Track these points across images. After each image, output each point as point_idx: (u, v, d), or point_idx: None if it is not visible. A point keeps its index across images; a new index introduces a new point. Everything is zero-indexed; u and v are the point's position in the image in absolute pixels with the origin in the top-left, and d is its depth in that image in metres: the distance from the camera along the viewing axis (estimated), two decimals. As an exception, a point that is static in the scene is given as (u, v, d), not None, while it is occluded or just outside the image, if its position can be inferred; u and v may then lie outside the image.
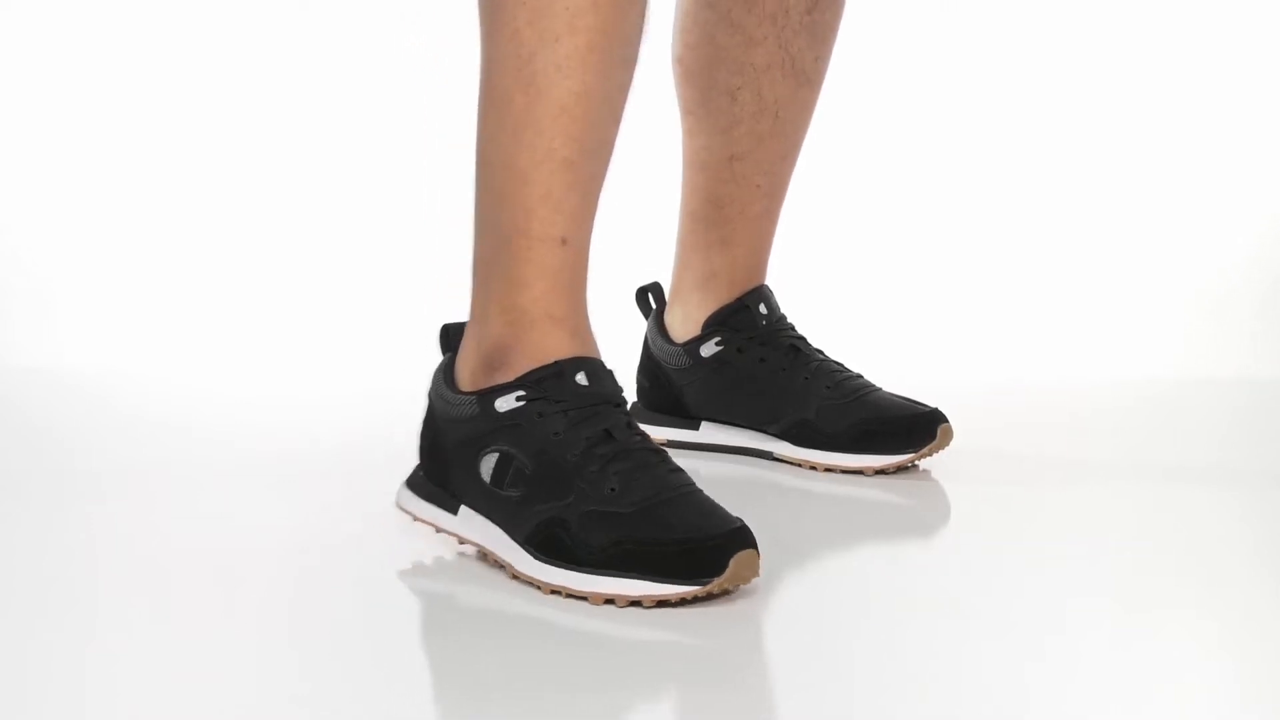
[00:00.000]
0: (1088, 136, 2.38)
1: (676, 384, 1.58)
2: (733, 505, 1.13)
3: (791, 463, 1.53)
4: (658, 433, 1.57)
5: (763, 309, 1.56)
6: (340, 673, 1.00)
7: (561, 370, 1.15)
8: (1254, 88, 2.38)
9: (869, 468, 1.49)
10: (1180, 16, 2.38)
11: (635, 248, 1.81)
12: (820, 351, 1.57)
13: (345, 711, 0.93)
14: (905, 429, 1.50)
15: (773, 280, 1.60)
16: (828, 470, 1.51)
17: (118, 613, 1.10)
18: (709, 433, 1.58)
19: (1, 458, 1.63)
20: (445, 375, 1.22)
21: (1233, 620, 1.12)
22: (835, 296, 2.16)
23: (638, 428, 1.17)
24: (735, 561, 1.08)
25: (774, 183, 1.56)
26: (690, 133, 1.57)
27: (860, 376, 1.55)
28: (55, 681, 0.96)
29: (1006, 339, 2.16)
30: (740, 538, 1.09)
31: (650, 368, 1.61)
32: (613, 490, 1.11)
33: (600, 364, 1.18)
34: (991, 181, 2.38)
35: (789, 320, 1.58)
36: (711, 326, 1.57)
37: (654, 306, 1.61)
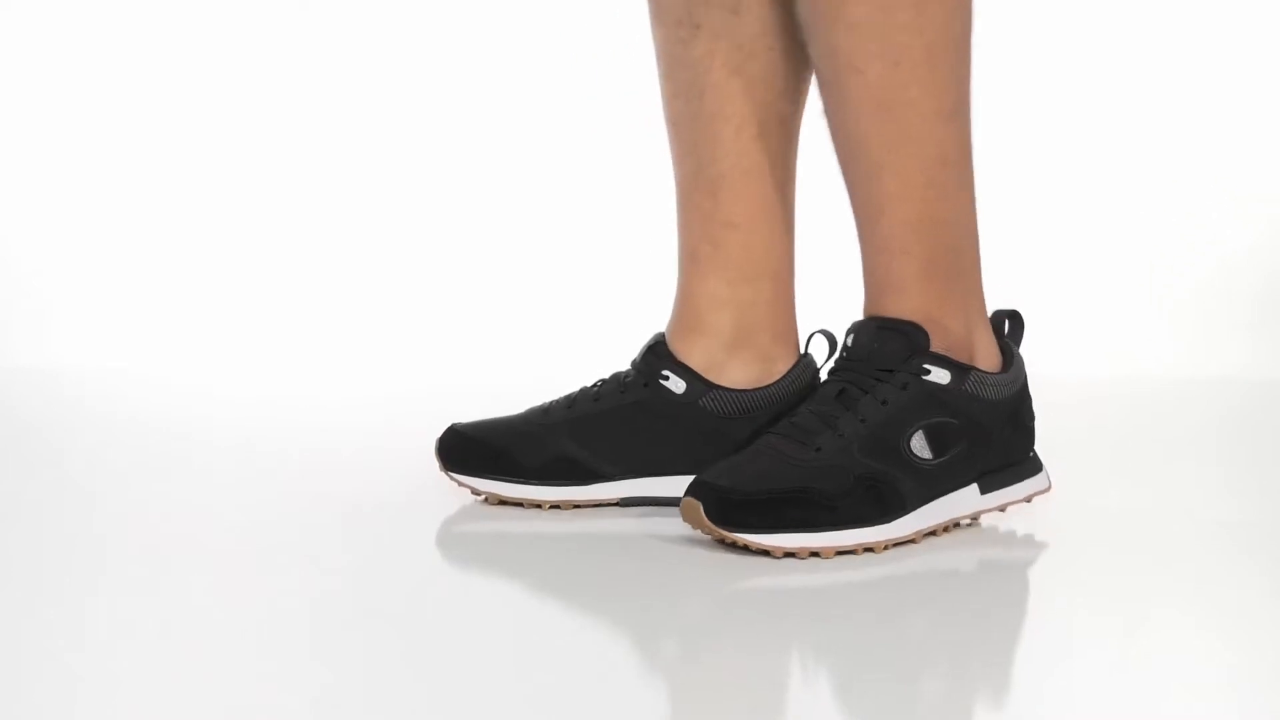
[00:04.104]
0: (1084, 136, 2.38)
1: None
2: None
3: None
4: None
5: None
6: (341, 672, 1.00)
7: None
8: (1250, 88, 2.37)
9: None
10: (1179, 16, 2.38)
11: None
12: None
13: (351, 713, 0.93)
14: None
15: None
16: None
17: (116, 614, 1.10)
18: None
19: (0, 458, 1.63)
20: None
21: (1229, 621, 1.12)
22: (838, 289, 2.16)
23: None
24: None
25: None
26: None
27: None
28: (53, 682, 0.96)
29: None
30: None
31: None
32: None
33: None
34: (988, 180, 2.38)
35: None
36: None
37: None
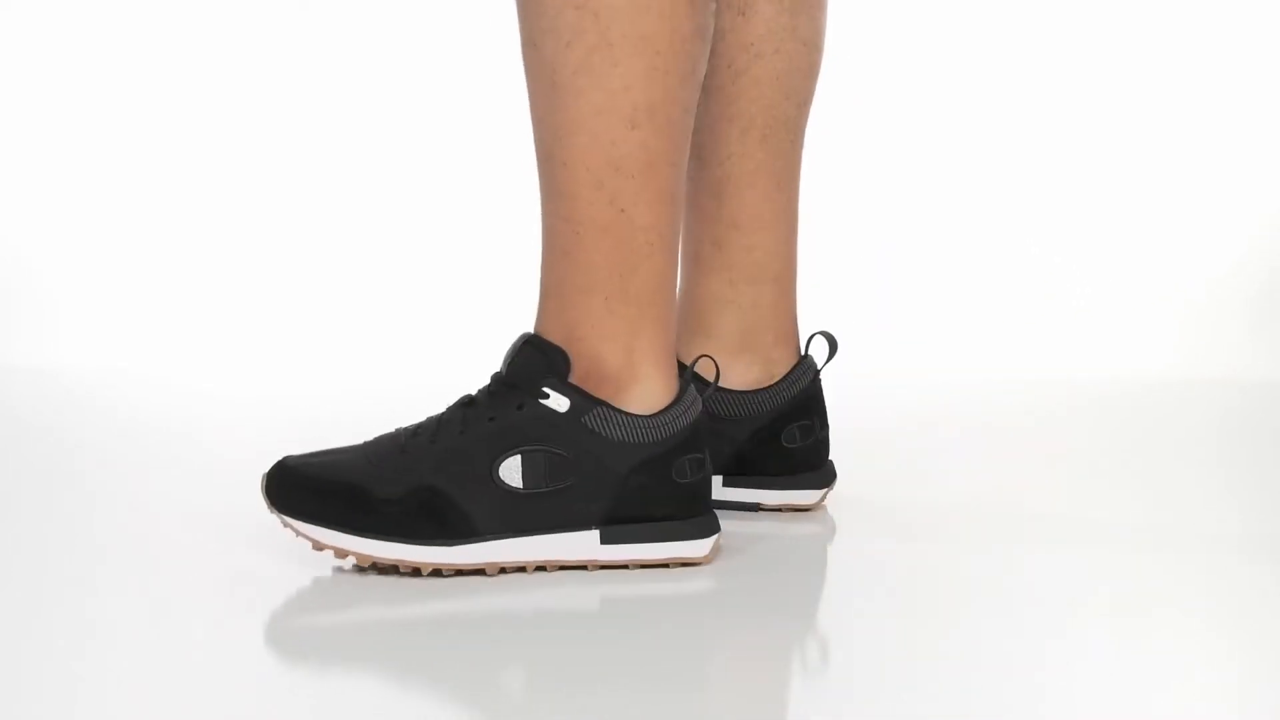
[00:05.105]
0: (1084, 138, 2.38)
1: None
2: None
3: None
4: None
5: None
6: (341, 672, 1.00)
7: None
8: (1248, 90, 2.37)
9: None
10: (1178, 18, 2.38)
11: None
12: None
13: (351, 713, 0.93)
14: None
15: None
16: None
17: (115, 614, 1.11)
18: None
19: (0, 458, 1.63)
20: None
21: (1230, 622, 1.12)
22: (836, 295, 2.17)
23: None
24: None
25: None
26: None
27: None
28: (53, 682, 0.97)
29: (1001, 338, 2.16)
30: None
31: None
32: None
33: None
34: (987, 182, 2.38)
35: None
36: None
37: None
